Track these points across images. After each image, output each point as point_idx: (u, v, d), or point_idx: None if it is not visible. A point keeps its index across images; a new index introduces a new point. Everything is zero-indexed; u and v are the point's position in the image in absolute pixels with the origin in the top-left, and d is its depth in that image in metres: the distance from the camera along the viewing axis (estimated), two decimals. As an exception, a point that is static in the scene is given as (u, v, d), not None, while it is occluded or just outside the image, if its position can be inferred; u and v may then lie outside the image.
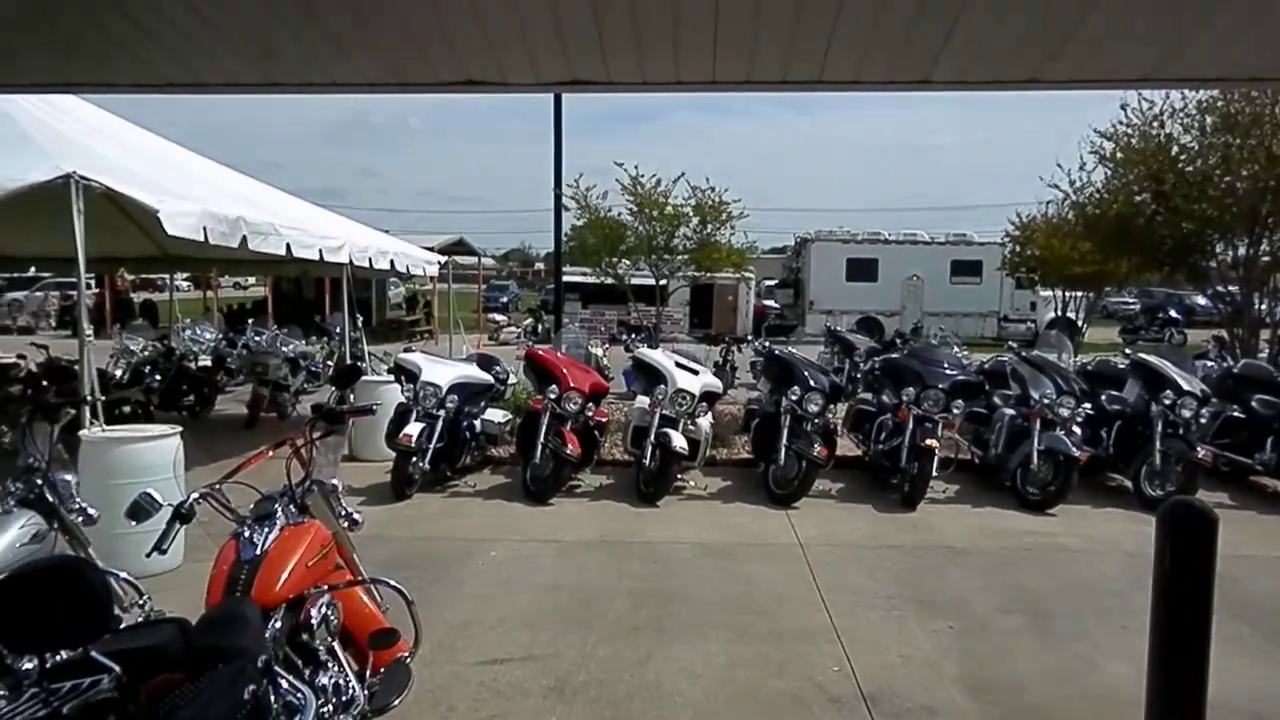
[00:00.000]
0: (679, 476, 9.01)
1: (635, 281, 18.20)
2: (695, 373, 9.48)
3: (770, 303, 35.53)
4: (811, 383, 9.04)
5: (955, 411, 9.18)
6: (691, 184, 16.15)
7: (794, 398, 8.83)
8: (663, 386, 8.94)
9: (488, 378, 9.99)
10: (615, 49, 2.81)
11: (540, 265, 69.81)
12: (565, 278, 18.35)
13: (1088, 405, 9.17)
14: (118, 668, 2.45)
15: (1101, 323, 29.82)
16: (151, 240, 11.81)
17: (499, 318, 33.06)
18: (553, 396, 8.74)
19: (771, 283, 37.62)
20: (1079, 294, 25.62)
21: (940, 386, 9.13)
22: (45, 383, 8.31)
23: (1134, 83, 3.96)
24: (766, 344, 12.86)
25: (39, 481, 4.09)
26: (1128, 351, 11.53)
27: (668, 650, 5.18)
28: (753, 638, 5.42)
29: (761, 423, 9.62)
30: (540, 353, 9.78)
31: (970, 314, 29.76)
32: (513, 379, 10.94)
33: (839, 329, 18.98)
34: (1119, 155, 14.09)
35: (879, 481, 9.30)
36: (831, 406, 9.51)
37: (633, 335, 16.16)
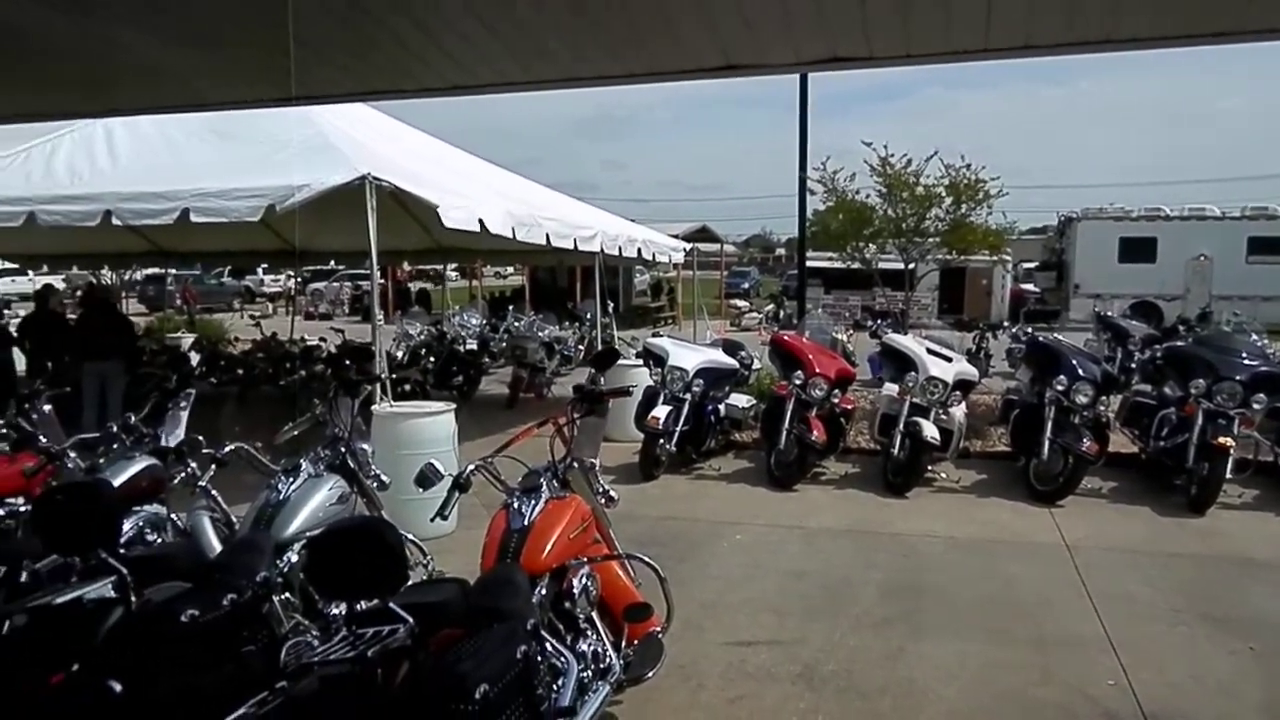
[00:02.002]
0: (929, 468, 8.63)
1: (882, 266, 17.59)
2: (948, 360, 9.03)
3: (1029, 287, 33.05)
4: (1080, 372, 8.34)
5: (1255, 407, 8.11)
6: (945, 162, 15.33)
7: (1060, 388, 8.19)
8: (913, 374, 8.59)
9: (733, 363, 10.06)
10: (879, 22, 2.71)
11: (781, 251, 69.23)
12: (808, 263, 18.06)
13: None
14: (411, 619, 2.70)
15: None
16: (428, 233, 12.92)
17: (741, 303, 33.16)
18: (798, 382, 8.66)
19: (1031, 265, 34.92)
20: None
21: (1237, 378, 8.10)
22: (348, 362, 9.33)
23: None
24: (1028, 330, 12.00)
25: (343, 450, 4.61)
26: None
27: (920, 646, 4.99)
28: (1014, 641, 5.10)
29: (1022, 414, 9.00)
30: (786, 338, 9.71)
31: (1272, 297, 26.09)
32: (757, 364, 10.94)
33: (1110, 314, 17.33)
34: None
35: (1158, 482, 8.41)
36: (1103, 398, 8.73)
37: (879, 321, 15.64)
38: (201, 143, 8.88)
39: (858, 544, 6.92)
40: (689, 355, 9.53)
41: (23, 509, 4.58)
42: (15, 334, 13.60)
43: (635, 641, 3.96)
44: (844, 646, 4.99)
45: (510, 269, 38.42)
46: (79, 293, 16.25)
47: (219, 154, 8.63)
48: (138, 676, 2.84)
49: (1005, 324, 17.67)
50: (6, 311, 16.82)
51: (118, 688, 2.78)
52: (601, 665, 3.68)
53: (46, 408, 5.36)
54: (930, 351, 8.99)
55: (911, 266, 16.65)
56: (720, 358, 9.97)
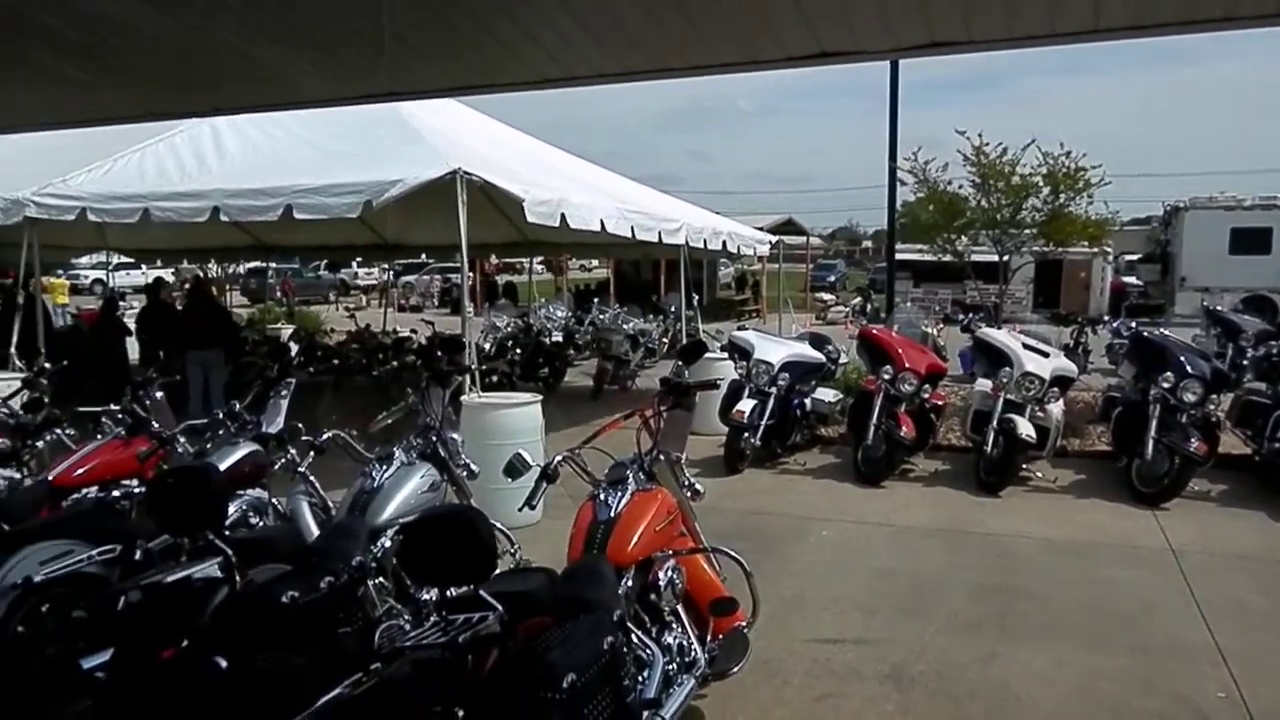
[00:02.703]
0: (1024, 466, 8.35)
1: (974, 258, 17.08)
2: (1045, 355, 8.72)
3: (1131, 279, 31.66)
4: (1188, 369, 7.95)
5: (1384, 407, 7.61)
6: (1043, 150, 14.77)
7: (1166, 385, 7.82)
8: (1007, 369, 8.33)
9: (819, 356, 9.93)
10: (981, 3, 2.62)
11: (868, 243, 68.00)
12: (897, 255, 17.66)
13: None
14: (500, 608, 2.74)
15: None
16: (515, 227, 13.10)
17: (827, 296, 32.71)
18: (887, 377, 8.49)
19: (1133, 258, 33.47)
20: None
21: (1363, 377, 7.61)
22: (439, 353, 9.54)
23: None
24: (1131, 325, 11.51)
25: (434, 439, 4.71)
26: None
27: (1014, 650, 4.84)
28: (1115, 648, 4.89)
29: (1124, 412, 8.62)
30: (874, 332, 9.53)
31: (1398, 290, 24.36)
32: (844, 358, 10.77)
33: (1220, 309, 16.48)
34: None
35: (1273, 486, 7.96)
36: (1213, 397, 8.30)
37: (970, 314, 15.21)
38: (300, 140, 9.18)
39: (948, 543, 6.75)
40: (775, 349, 9.44)
41: (137, 491, 4.82)
42: (131, 325, 14.37)
43: (720, 636, 3.94)
44: (934, 647, 4.87)
45: (595, 262, 38.67)
46: (186, 285, 17.01)
47: (317, 151, 8.91)
48: (241, 654, 2.95)
49: (1105, 318, 16.97)
50: (122, 303, 17.70)
51: (223, 664, 2.90)
52: (687, 659, 3.68)
53: (158, 395, 5.64)
54: (1026, 346, 8.69)
55: (1006, 258, 16.12)
56: (806, 351, 9.86)
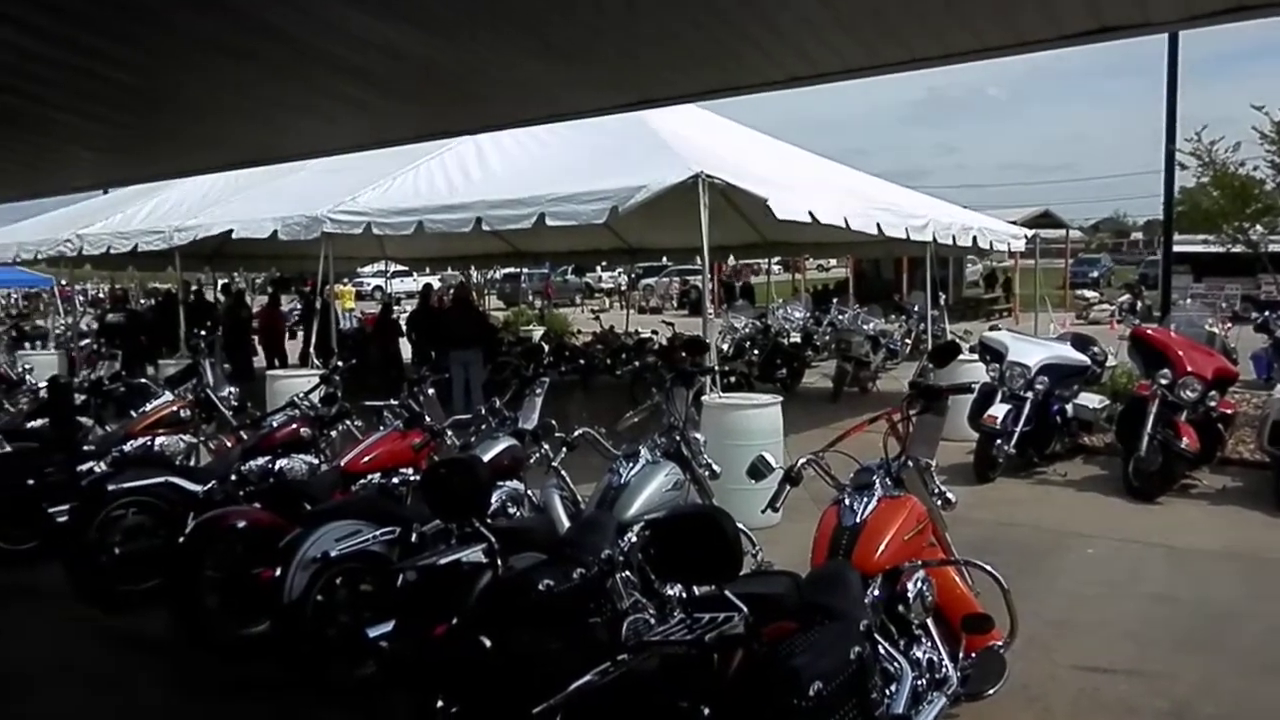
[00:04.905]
0: (1340, 487, 7.26)
1: (1273, 247, 15.07)
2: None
3: None
4: None
5: None
6: (1366, 122, 12.75)
7: None
8: (1318, 375, 7.28)
9: (1082, 359, 9.17)
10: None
11: (1137, 235, 61.86)
12: (1174, 247, 15.91)
13: None
14: (745, 609, 2.74)
15: None
16: (753, 228, 13.12)
17: (1089, 294, 30.07)
18: (1164, 382, 7.67)
19: None
20: None
21: None
22: (683, 353, 9.76)
23: None
24: None
25: (678, 438, 4.81)
26: None
27: (1329, 699, 4.21)
28: None
29: None
30: (1150, 332, 8.64)
31: None
32: (1111, 360, 9.88)
33: None
34: None
35: None
36: None
37: (1267, 312, 13.44)
38: (553, 151, 9.69)
39: (1241, 570, 5.99)
40: (1031, 350, 8.84)
41: (412, 478, 5.31)
42: (403, 326, 15.90)
43: (973, 654, 3.74)
44: (1226, 689, 4.34)
45: (832, 262, 37.92)
46: (451, 290, 18.51)
47: (567, 160, 9.36)
48: (503, 635, 3.16)
49: None
50: (396, 307, 19.55)
51: (487, 643, 3.12)
52: (937, 676, 3.51)
53: (430, 391, 6.17)
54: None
55: (1313, 248, 14.08)
56: (1068, 353, 9.14)
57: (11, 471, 6.19)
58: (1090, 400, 8.99)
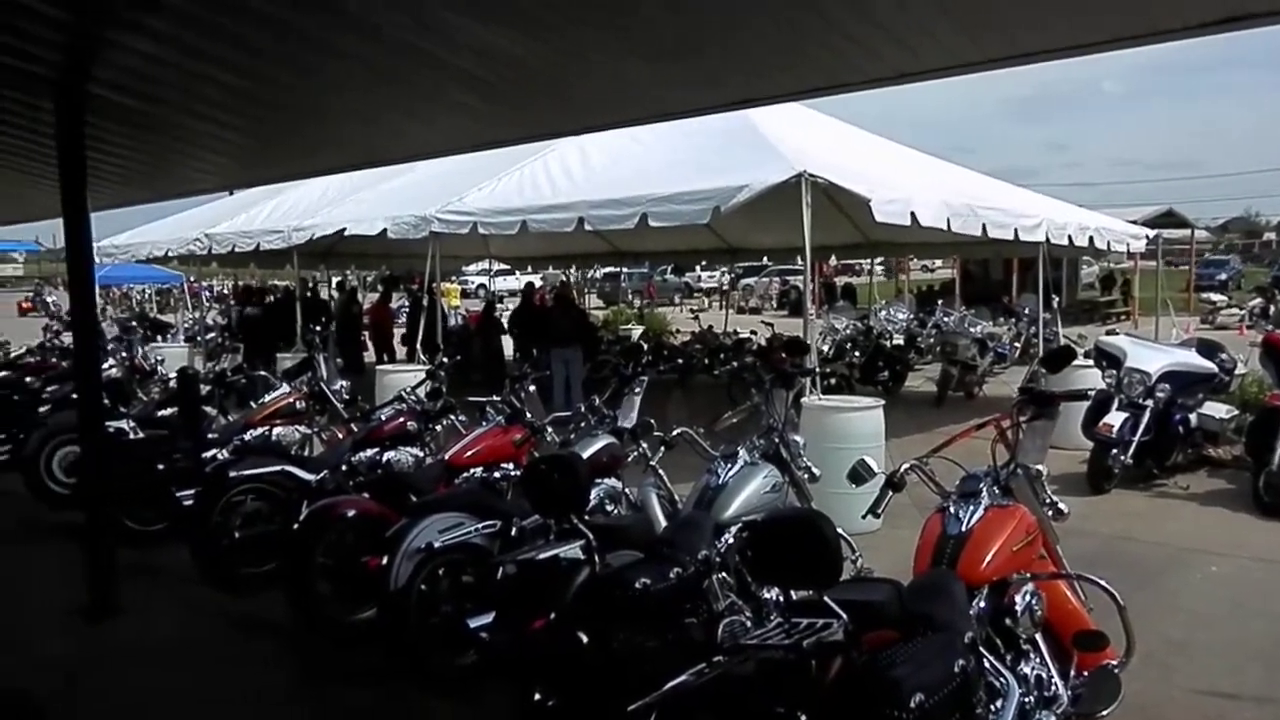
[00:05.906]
0: None
1: None
2: None
3: None
4: None
5: None
6: None
7: None
8: None
9: (1209, 366, 8.67)
10: None
11: (1270, 235, 58.17)
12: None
13: None
14: (845, 616, 2.69)
15: None
16: (856, 227, 12.87)
17: (1216, 298, 28.42)
18: (1300, 392, 7.20)
19: None
20: None
21: None
22: (783, 354, 9.67)
23: None
24: None
25: (776, 440, 4.77)
26: None
27: None
28: None
29: None
30: (1284, 338, 8.13)
31: None
32: (1240, 368, 9.32)
33: None
34: None
35: None
36: None
37: None
38: (655, 151, 9.73)
39: (1389, 596, 5.58)
40: (1151, 356, 8.42)
41: (513, 473, 5.41)
42: (505, 324, 16.23)
43: (1085, 673, 3.57)
44: (1367, 722, 4.05)
45: (937, 262, 36.93)
46: (552, 289, 18.79)
47: (669, 160, 9.38)
48: (600, 631, 3.19)
49: None
50: (499, 305, 19.96)
51: (584, 639, 3.16)
52: (1046, 693, 3.37)
53: (531, 388, 6.28)
54: None
55: None
56: (1192, 360, 8.66)
57: (143, 457, 6.58)
58: (1217, 410, 8.53)
